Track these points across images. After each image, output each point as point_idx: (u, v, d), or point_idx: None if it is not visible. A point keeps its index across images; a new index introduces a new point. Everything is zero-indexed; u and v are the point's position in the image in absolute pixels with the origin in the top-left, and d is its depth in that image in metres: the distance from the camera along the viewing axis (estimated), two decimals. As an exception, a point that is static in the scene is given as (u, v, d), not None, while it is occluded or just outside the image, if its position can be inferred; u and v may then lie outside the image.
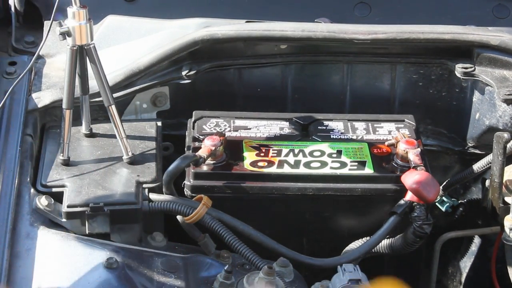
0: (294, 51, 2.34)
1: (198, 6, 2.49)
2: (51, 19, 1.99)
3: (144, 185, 2.00)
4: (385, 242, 2.05)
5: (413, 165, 2.04)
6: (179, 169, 1.98)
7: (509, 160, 2.06)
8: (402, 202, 2.00)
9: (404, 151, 2.07)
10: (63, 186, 1.98)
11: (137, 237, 1.96)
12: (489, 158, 2.13)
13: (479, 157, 2.25)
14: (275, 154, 2.08)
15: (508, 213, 2.01)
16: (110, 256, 1.75)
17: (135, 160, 2.07)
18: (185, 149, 2.14)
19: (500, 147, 1.99)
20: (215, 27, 2.27)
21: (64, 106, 2.03)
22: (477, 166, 2.21)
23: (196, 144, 2.09)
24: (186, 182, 2.03)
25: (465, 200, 2.43)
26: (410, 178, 2.00)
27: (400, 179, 2.02)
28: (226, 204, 2.01)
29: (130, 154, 2.06)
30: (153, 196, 1.98)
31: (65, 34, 1.97)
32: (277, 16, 2.42)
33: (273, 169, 2.04)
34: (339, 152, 2.10)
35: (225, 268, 1.78)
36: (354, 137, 2.16)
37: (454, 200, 2.38)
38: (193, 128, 2.16)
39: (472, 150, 2.37)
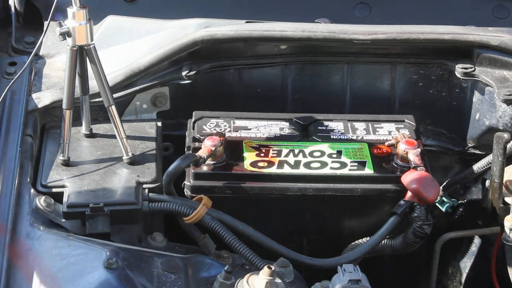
0: (294, 51, 2.34)
1: (198, 6, 2.49)
2: (49, 19, 1.99)
3: (144, 186, 2.00)
4: (385, 242, 2.05)
5: (413, 165, 2.04)
6: (179, 170, 1.98)
7: (509, 161, 2.06)
8: (402, 202, 2.00)
9: (404, 151, 2.07)
10: (63, 186, 1.98)
11: (137, 238, 1.96)
12: (489, 158, 2.13)
13: (479, 158, 2.25)
14: (275, 155, 2.08)
15: (508, 213, 2.01)
16: (110, 256, 1.75)
17: (135, 161, 2.07)
18: (185, 149, 2.14)
19: (500, 147, 1.99)
20: (215, 27, 2.27)
21: (64, 106, 2.03)
22: (477, 167, 2.21)
23: (196, 144, 2.09)
24: (186, 182, 2.03)
25: (465, 201, 2.43)
26: (410, 179, 2.00)
27: (400, 179, 2.02)
28: (226, 204, 2.01)
29: (130, 154, 2.06)
30: (153, 196, 1.98)
31: (65, 35, 1.97)
32: (277, 16, 2.42)
33: (273, 170, 2.04)
34: (339, 153, 2.10)
35: (225, 268, 1.78)
36: (354, 138, 2.16)
37: (454, 200, 2.38)
38: (193, 129, 2.16)
39: (472, 151, 2.37)
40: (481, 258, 2.45)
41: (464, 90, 2.33)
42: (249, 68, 2.33)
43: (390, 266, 2.23)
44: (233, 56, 2.31)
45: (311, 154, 2.09)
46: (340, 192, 2.04)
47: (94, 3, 2.10)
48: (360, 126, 2.20)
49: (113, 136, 2.08)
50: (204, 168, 2.03)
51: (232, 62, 2.32)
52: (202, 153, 2.02)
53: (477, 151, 2.36)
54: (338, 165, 2.06)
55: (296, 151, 2.09)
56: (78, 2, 1.97)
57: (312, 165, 2.06)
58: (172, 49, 2.22)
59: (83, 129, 2.15)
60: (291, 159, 2.07)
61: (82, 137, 2.15)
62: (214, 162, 2.04)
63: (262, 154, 2.08)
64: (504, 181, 2.04)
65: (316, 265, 1.98)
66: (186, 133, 2.20)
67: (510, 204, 2.02)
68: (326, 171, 2.05)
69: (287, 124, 2.19)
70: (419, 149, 2.07)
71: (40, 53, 2.38)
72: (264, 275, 1.74)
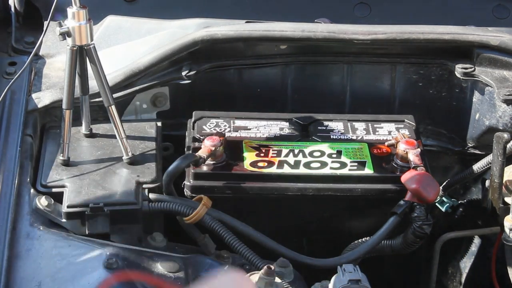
0: (294, 51, 2.34)
1: (198, 6, 2.49)
2: (49, 19, 1.99)
3: (144, 186, 2.00)
4: (385, 242, 2.05)
5: (413, 165, 2.04)
6: (179, 170, 1.98)
7: (509, 161, 2.06)
8: (402, 202, 2.00)
9: (404, 151, 2.07)
10: (63, 186, 1.98)
11: (137, 238, 1.96)
12: (489, 158, 2.13)
13: (479, 158, 2.24)
14: (275, 155, 2.08)
15: (508, 213, 2.01)
16: (110, 256, 1.75)
17: (135, 161, 2.07)
18: (185, 149, 2.14)
19: (500, 147, 1.99)
20: (215, 27, 2.27)
21: (64, 106, 2.03)
22: (477, 167, 2.21)
23: (196, 144, 2.09)
24: (186, 182, 2.03)
25: (465, 201, 2.43)
26: (410, 179, 2.00)
27: (400, 179, 2.02)
28: (226, 204, 2.01)
29: (130, 154, 2.06)
30: (153, 196, 1.98)
31: (65, 35, 1.98)
32: (277, 16, 2.42)
33: (273, 170, 2.04)
34: (339, 153, 2.10)
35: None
36: (354, 138, 2.16)
37: (454, 200, 2.38)
38: (193, 129, 2.16)
39: (472, 151, 2.37)
40: (481, 258, 2.45)
41: (464, 90, 2.33)
42: (249, 68, 2.33)
43: (390, 266, 2.23)
44: (233, 56, 2.31)
45: (311, 154, 2.09)
46: (340, 192, 2.04)
47: (94, 3, 2.10)
48: (360, 126, 2.20)
49: (113, 136, 2.08)
50: (204, 168, 2.03)
51: (232, 62, 2.32)
52: (202, 153, 2.02)
53: (477, 151, 2.36)
54: (338, 165, 2.06)
55: (296, 151, 2.09)
56: (78, 2, 1.97)
57: (312, 165, 2.06)
58: (172, 49, 2.22)
59: (83, 129, 2.15)
60: (291, 159, 2.07)
61: (82, 137, 2.15)
62: (214, 162, 2.04)
63: (262, 154, 2.08)
64: (504, 181, 2.04)
65: (316, 265, 1.98)
66: (186, 133, 2.20)
67: (510, 204, 2.02)
68: (326, 171, 2.05)
69: (287, 124, 2.19)
70: (419, 149, 2.07)
71: (40, 53, 2.38)
72: (264, 275, 1.74)
